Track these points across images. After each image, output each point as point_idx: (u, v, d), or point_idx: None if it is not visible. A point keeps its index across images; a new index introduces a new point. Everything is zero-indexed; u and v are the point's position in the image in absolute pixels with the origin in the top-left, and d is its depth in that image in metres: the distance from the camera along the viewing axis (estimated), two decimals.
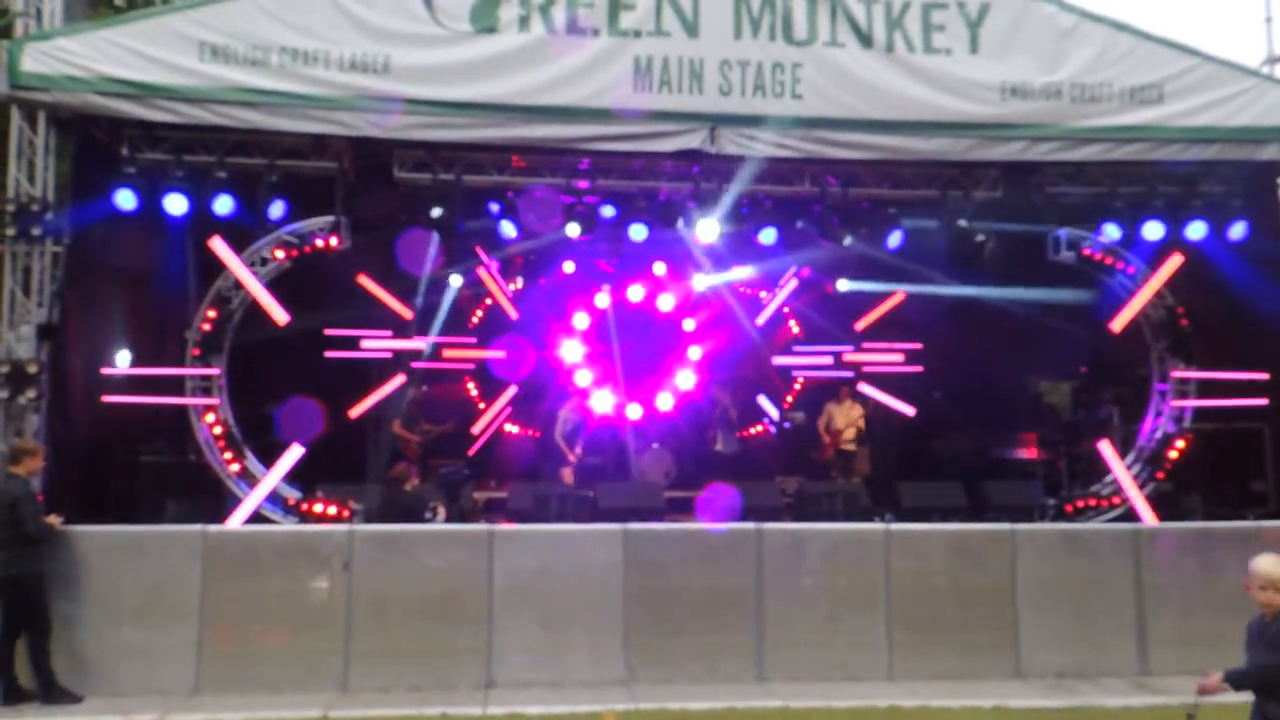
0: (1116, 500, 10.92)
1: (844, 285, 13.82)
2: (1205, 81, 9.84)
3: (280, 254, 10.55)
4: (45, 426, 9.02)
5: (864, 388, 13.65)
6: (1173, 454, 11.16)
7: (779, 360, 15.43)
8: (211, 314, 10.40)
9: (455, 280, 13.32)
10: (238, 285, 10.39)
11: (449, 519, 10.12)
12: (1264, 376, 10.84)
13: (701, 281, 14.09)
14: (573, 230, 10.79)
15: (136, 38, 8.81)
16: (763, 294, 15.47)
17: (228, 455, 10.27)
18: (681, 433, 14.78)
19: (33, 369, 8.85)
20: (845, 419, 12.68)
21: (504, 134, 9.38)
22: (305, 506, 10.01)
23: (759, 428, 16.06)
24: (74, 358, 9.60)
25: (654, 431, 14.58)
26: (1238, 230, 10.68)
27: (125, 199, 9.60)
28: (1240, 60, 10.25)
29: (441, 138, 9.48)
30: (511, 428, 15.30)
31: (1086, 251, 11.25)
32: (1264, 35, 12.37)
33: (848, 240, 10.94)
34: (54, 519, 7.80)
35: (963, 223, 10.64)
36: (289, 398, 11.73)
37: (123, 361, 10.47)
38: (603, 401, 14.58)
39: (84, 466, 9.57)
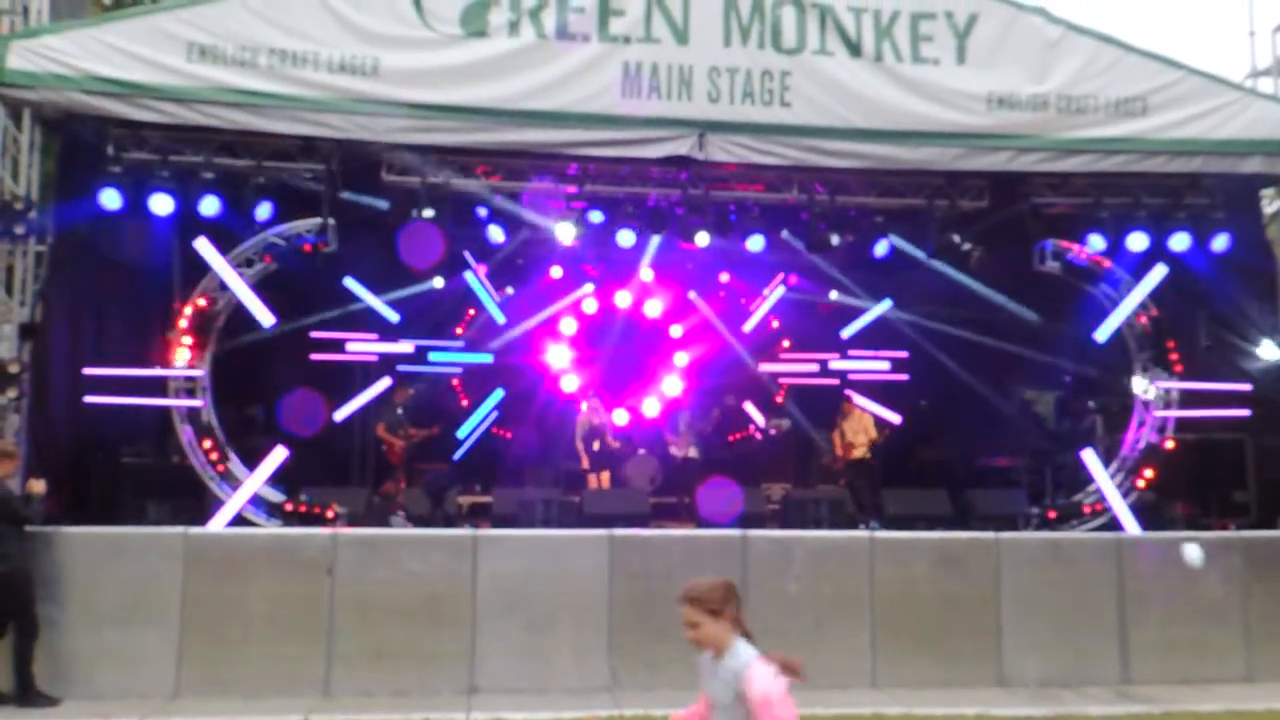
0: (1100, 509, 10.97)
1: (835, 296, 13.90)
2: (1190, 94, 9.92)
3: (267, 256, 10.50)
4: (26, 427, 8.95)
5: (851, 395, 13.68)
6: (1155, 464, 11.22)
7: (765, 367, 15.43)
8: (195, 316, 10.34)
9: (439, 283, 13.29)
10: (223, 286, 10.34)
11: (433, 524, 10.08)
12: (1246, 388, 10.92)
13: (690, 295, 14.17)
14: (566, 234, 10.75)
15: (124, 37, 8.75)
16: (751, 303, 15.48)
17: (211, 457, 10.20)
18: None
19: (14, 368, 8.78)
20: (855, 428, 12.79)
21: (493, 138, 9.38)
22: (289, 509, 9.95)
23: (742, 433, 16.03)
24: (56, 358, 9.53)
25: (640, 437, 14.56)
26: (1221, 242, 10.74)
27: (110, 198, 9.54)
28: (1224, 73, 10.36)
29: (430, 141, 9.47)
30: (498, 432, 15.25)
31: (1071, 262, 11.31)
32: (1248, 48, 12.50)
33: (835, 239, 10.96)
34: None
35: (955, 238, 10.71)
36: (274, 400, 11.66)
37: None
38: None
39: (65, 467, 9.48)
